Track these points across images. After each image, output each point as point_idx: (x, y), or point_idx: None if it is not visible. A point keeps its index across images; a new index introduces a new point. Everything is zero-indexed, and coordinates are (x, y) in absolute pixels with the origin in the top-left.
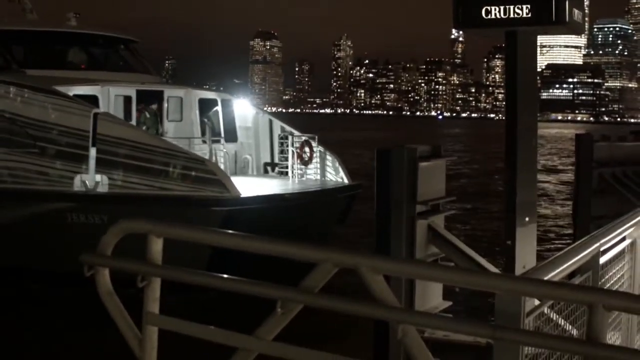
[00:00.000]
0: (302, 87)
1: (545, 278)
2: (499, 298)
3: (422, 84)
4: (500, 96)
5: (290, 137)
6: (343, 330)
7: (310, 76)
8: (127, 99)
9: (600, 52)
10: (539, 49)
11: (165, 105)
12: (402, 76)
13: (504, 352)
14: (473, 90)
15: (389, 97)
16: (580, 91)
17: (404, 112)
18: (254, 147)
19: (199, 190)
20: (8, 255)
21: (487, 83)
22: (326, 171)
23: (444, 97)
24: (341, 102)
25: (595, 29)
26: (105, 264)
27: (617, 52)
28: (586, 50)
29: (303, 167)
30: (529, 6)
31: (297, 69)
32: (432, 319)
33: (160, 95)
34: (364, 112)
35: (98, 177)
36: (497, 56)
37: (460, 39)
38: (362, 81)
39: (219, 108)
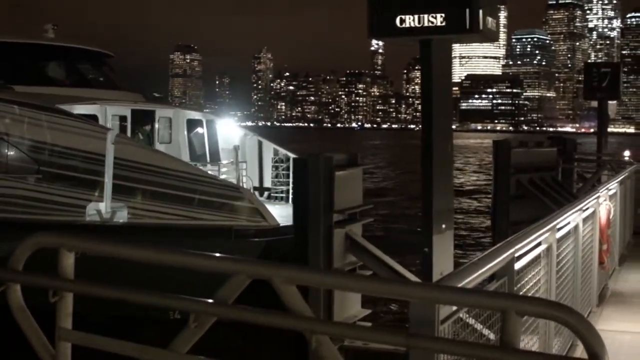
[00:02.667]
0: (222, 100)
1: (460, 284)
2: (413, 305)
3: (343, 96)
4: (420, 107)
5: (290, 161)
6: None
7: (230, 89)
8: (123, 119)
9: (519, 62)
10: (457, 60)
11: (157, 125)
12: (322, 88)
13: None
14: (393, 102)
15: (309, 109)
16: (500, 101)
17: (324, 124)
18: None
19: (234, 219)
20: None
21: (407, 94)
22: None
23: (365, 108)
24: (262, 114)
25: (514, 40)
26: (16, 280)
27: (535, 62)
28: (505, 60)
29: None
30: (443, 15)
31: (217, 82)
32: (344, 329)
33: (152, 115)
34: (285, 124)
35: (115, 206)
36: (416, 67)
37: (380, 50)
38: (282, 94)
39: (204, 129)
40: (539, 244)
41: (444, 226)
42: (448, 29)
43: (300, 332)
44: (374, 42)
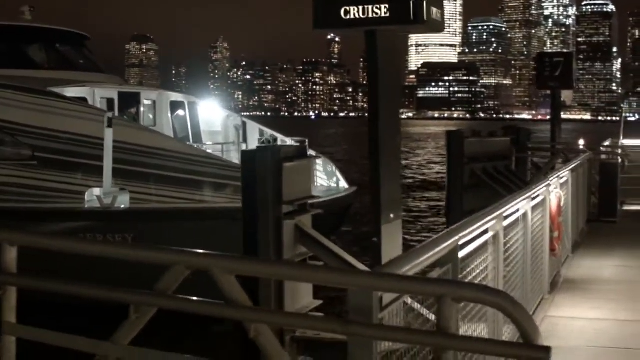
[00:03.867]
0: (179, 90)
1: (401, 272)
2: (350, 293)
3: (300, 85)
4: None
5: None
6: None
7: (187, 79)
8: (110, 102)
9: (475, 50)
10: (414, 48)
11: (142, 108)
12: (279, 77)
13: (358, 347)
14: (350, 90)
15: (267, 99)
16: (456, 89)
17: (282, 113)
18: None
19: (234, 201)
20: None
21: (364, 82)
22: (321, 177)
23: (322, 97)
24: (219, 104)
25: (470, 28)
26: None
27: (491, 49)
28: (461, 48)
29: None
30: (387, 6)
31: (174, 72)
32: (283, 317)
33: (137, 98)
34: (243, 114)
35: (116, 191)
36: None
37: (337, 39)
38: (239, 83)
39: (186, 111)
40: (486, 232)
41: (392, 216)
42: (392, 19)
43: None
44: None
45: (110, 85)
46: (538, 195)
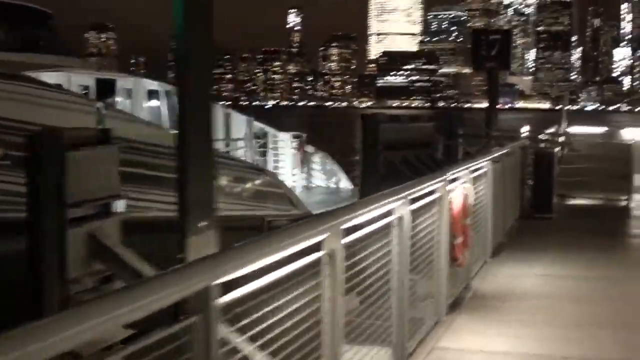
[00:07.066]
0: None
1: None
2: None
3: (259, 74)
4: (336, 84)
5: (281, 136)
6: None
7: (147, 68)
8: (86, 89)
9: (435, 38)
10: (374, 36)
11: (118, 97)
12: (238, 66)
13: None
14: (310, 79)
15: (226, 88)
16: (416, 77)
17: (240, 102)
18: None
19: (260, 208)
20: None
21: (324, 71)
22: (318, 175)
23: (281, 86)
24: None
25: (430, 16)
26: None
27: (451, 38)
28: (421, 37)
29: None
30: None
31: (133, 61)
32: None
33: (113, 85)
34: None
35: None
36: (332, 44)
37: (297, 28)
38: None
39: (160, 99)
40: (316, 250)
41: (201, 224)
42: None
43: None
44: (290, 19)
45: (86, 71)
46: (434, 193)
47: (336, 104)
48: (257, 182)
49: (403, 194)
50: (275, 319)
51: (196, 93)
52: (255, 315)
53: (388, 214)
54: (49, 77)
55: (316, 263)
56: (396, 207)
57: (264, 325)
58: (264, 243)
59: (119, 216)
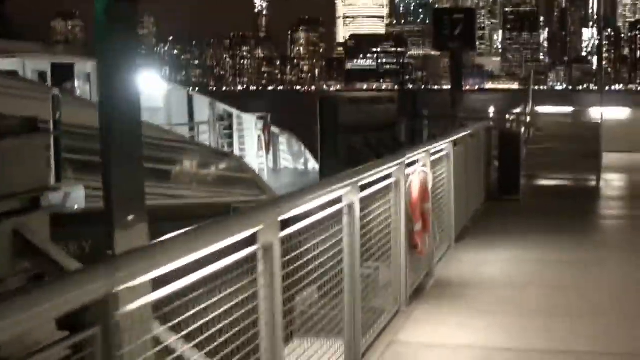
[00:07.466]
0: None
1: None
2: None
3: (227, 59)
4: (305, 68)
5: (245, 117)
6: None
7: None
8: (42, 75)
9: (403, 21)
10: (342, 19)
11: (77, 83)
12: (206, 52)
13: None
14: (278, 64)
15: (194, 73)
16: (385, 60)
17: (210, 88)
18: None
19: (226, 194)
20: None
21: (293, 56)
22: (285, 157)
23: (250, 71)
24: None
25: None
26: None
27: (419, 20)
28: (389, 19)
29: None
30: None
31: None
32: None
33: (72, 70)
34: None
35: (69, 188)
36: (301, 28)
37: (265, 12)
38: (166, 58)
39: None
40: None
41: (131, 217)
42: None
43: None
44: (257, 3)
45: (42, 56)
46: (389, 178)
47: (305, 88)
48: (223, 167)
49: (352, 180)
50: (206, 319)
51: (121, 73)
52: (185, 316)
53: (339, 200)
54: (2, 64)
55: (252, 258)
56: (345, 193)
57: (196, 325)
58: (170, 246)
59: (48, 210)
